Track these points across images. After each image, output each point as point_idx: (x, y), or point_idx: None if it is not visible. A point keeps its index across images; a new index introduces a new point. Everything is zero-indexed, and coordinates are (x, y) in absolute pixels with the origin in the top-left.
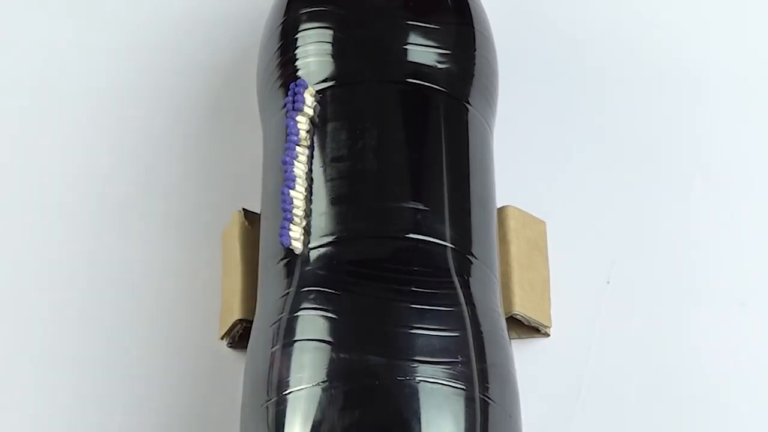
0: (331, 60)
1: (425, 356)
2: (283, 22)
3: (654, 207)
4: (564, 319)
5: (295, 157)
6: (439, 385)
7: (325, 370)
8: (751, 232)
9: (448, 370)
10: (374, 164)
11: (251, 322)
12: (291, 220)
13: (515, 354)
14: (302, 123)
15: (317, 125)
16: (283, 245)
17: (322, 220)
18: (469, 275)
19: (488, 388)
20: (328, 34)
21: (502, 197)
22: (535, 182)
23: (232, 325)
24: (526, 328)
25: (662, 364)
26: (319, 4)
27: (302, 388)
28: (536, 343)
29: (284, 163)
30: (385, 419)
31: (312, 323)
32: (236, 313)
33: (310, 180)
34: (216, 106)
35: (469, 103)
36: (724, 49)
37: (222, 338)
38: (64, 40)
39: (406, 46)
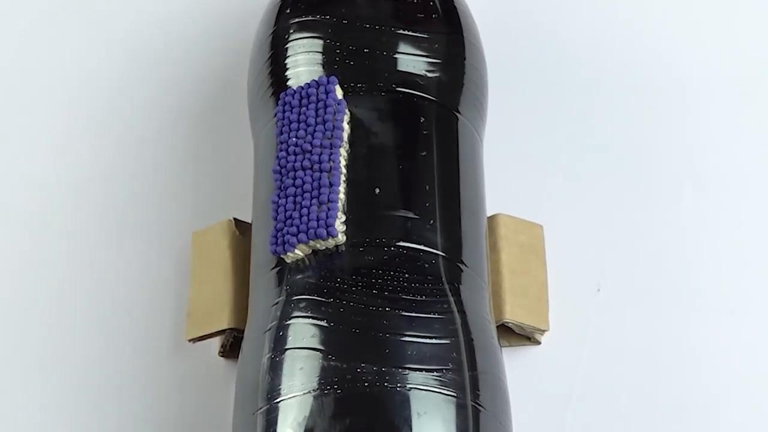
0: (321, 69)
1: (416, 363)
2: (273, 32)
3: (644, 215)
4: (555, 327)
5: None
6: (431, 392)
7: (316, 378)
8: (742, 240)
9: (439, 378)
10: (364, 173)
11: (242, 331)
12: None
13: (506, 361)
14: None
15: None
16: (273, 254)
17: None
18: (459, 283)
19: (479, 395)
20: (318, 44)
21: (492, 205)
22: (524, 190)
23: (218, 332)
24: (517, 336)
25: (653, 372)
26: (309, 13)
27: (293, 396)
28: (527, 351)
29: (275, 172)
30: (377, 427)
31: (303, 331)
32: (226, 322)
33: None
34: (205, 115)
35: (458, 112)
36: (715, 55)
37: (191, 341)
38: (54, 47)
39: (396, 55)
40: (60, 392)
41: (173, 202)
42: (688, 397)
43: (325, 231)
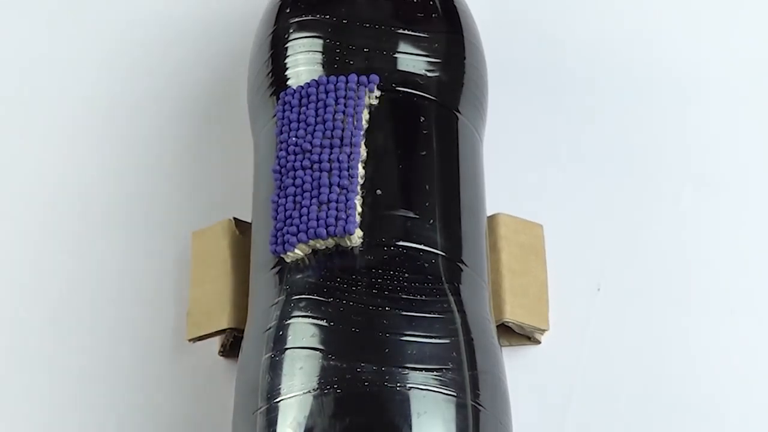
0: (321, 69)
1: (416, 363)
2: (273, 32)
3: (644, 214)
4: (555, 327)
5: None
6: (430, 392)
7: (316, 378)
8: (741, 240)
9: (439, 377)
10: (364, 172)
11: (242, 331)
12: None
13: (506, 361)
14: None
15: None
16: (273, 254)
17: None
18: (459, 282)
19: (479, 394)
20: (318, 43)
21: (492, 205)
22: (524, 190)
23: (218, 332)
24: (517, 335)
25: (653, 372)
26: (309, 13)
27: (293, 396)
28: (527, 351)
29: (274, 171)
30: (376, 426)
31: (303, 331)
32: (225, 322)
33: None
34: (205, 115)
35: (458, 112)
36: (714, 55)
37: (191, 341)
38: (54, 47)
39: (395, 55)
40: (60, 392)
41: (173, 202)
42: (688, 397)
43: (325, 231)
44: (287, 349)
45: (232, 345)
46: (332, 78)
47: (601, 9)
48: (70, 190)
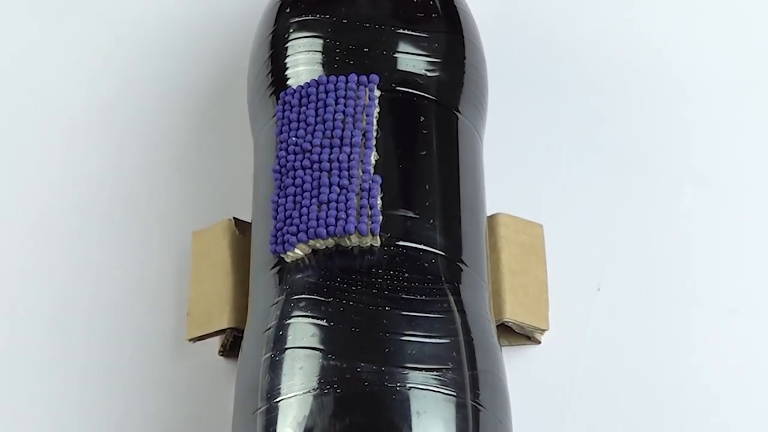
0: (321, 69)
1: (416, 363)
2: (273, 32)
3: (645, 213)
4: (555, 327)
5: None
6: (430, 392)
7: (316, 377)
8: (742, 239)
9: (439, 377)
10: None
11: (242, 330)
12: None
13: (506, 361)
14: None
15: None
16: (273, 253)
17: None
18: (459, 282)
19: (479, 394)
20: (317, 43)
21: (492, 205)
22: (524, 190)
23: (217, 332)
24: (517, 335)
25: (653, 371)
26: (309, 13)
27: (293, 396)
28: (527, 351)
29: (274, 171)
30: (376, 426)
31: (303, 330)
32: (225, 321)
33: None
34: (205, 115)
35: (458, 111)
36: (715, 54)
37: (191, 341)
38: (54, 46)
39: (395, 55)
40: (60, 392)
41: (173, 202)
42: (689, 397)
43: (325, 231)
44: (287, 348)
45: (232, 345)
46: (332, 78)
47: (602, 9)
48: (70, 190)
